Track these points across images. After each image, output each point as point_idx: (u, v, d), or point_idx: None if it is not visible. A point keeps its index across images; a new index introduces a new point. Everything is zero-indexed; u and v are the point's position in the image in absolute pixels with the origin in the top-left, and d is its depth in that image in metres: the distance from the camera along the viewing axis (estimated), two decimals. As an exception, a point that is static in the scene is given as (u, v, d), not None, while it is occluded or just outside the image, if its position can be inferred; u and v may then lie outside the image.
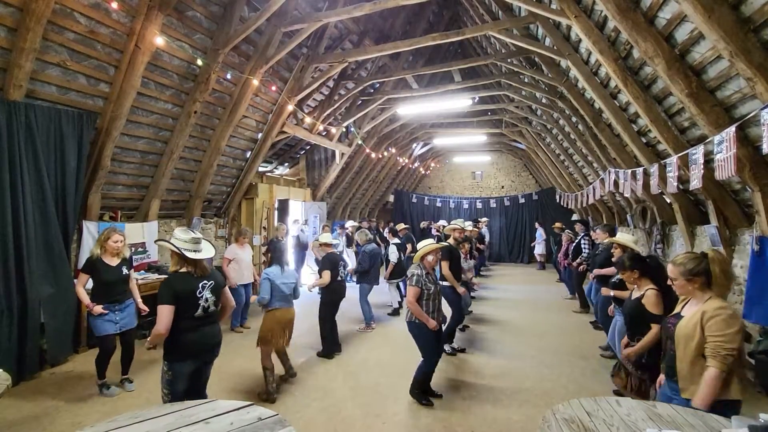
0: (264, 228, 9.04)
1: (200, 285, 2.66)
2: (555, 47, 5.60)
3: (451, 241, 5.31)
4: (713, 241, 4.95)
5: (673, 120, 4.52)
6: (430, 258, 3.78)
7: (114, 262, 3.84)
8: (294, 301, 4.12)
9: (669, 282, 2.32)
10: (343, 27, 7.92)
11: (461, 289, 5.05)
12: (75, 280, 5.03)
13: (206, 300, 2.68)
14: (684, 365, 2.13)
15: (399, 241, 7.21)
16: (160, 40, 4.71)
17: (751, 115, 3.07)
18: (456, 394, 4.00)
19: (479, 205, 15.20)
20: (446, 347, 4.94)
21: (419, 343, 3.73)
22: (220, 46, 5.58)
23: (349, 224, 10.01)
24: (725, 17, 2.78)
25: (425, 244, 3.86)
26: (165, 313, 2.51)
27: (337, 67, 7.52)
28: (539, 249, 12.87)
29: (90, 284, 3.89)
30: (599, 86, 5.38)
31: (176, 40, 5.24)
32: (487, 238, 12.25)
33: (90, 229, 5.51)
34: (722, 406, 1.99)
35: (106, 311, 3.73)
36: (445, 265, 4.96)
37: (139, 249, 6.15)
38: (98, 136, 5.06)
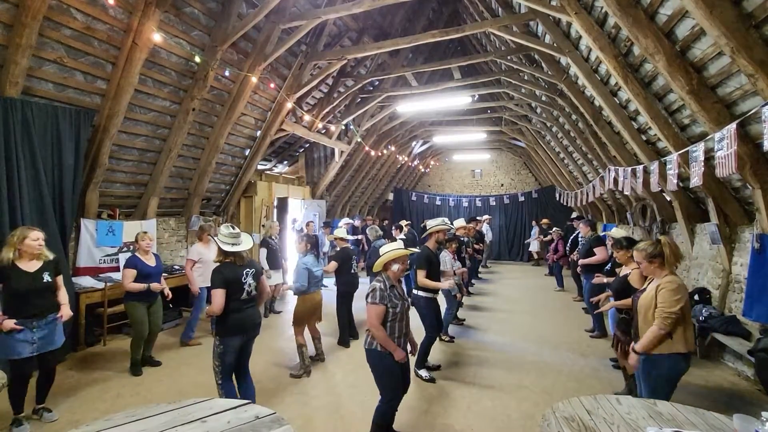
0: (263, 226, 9.01)
1: (244, 272, 3.12)
2: (555, 44, 5.58)
3: (431, 243, 4.50)
4: (713, 239, 4.94)
5: (674, 117, 4.50)
6: (395, 267, 2.92)
7: (32, 267, 3.13)
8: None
9: (639, 263, 2.84)
10: (342, 24, 7.88)
11: (448, 283, 4.40)
12: (72, 278, 5.05)
13: (249, 285, 3.15)
14: (644, 330, 2.62)
15: (404, 237, 7.41)
16: (157, 37, 4.68)
17: (752, 112, 3.06)
18: (454, 391, 3.99)
19: (479, 204, 15.19)
20: (422, 372, 4.23)
21: (378, 376, 2.89)
22: (218, 43, 5.54)
23: (343, 222, 9.99)
24: (727, 13, 2.76)
25: (390, 249, 2.98)
26: (219, 295, 2.97)
27: (336, 65, 7.49)
28: (534, 246, 12.87)
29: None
30: (599, 83, 5.36)
31: (174, 37, 5.20)
32: (488, 237, 11.96)
33: (88, 227, 5.49)
34: (673, 359, 2.55)
35: (20, 327, 3.00)
36: (420, 274, 4.26)
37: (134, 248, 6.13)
38: (96, 133, 5.03)
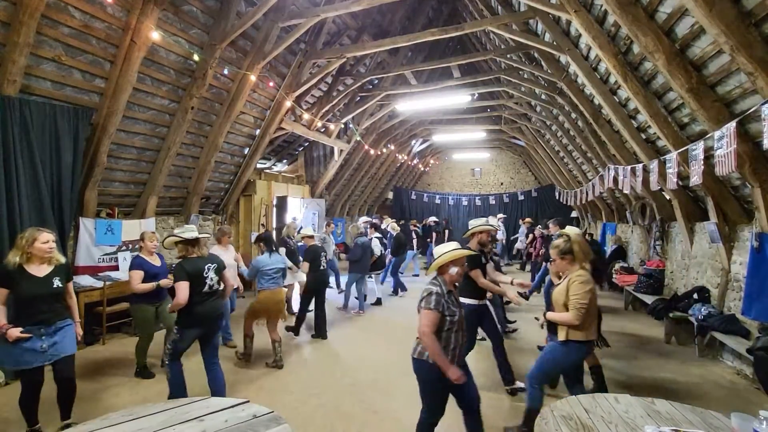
0: (263, 225, 9.01)
1: (206, 267, 3.28)
2: (554, 42, 5.57)
3: (473, 245, 4.16)
4: (712, 238, 4.93)
5: (673, 116, 4.50)
6: (453, 270, 2.59)
7: (42, 271, 2.92)
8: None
9: (553, 259, 3.02)
10: (341, 22, 7.86)
11: (511, 294, 4.05)
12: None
13: (211, 279, 3.30)
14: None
15: (380, 235, 7.54)
16: (155, 35, 4.67)
17: (752, 110, 3.05)
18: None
19: (478, 203, 15.19)
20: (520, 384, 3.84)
21: (423, 390, 2.60)
22: (217, 41, 5.53)
23: (363, 220, 9.98)
24: (726, 11, 2.75)
25: (448, 250, 2.67)
26: (183, 288, 3.10)
27: (336, 63, 7.48)
28: (520, 245, 12.82)
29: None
30: (599, 82, 5.35)
31: (172, 35, 5.19)
32: (500, 235, 11.39)
33: (87, 226, 5.49)
34: (576, 345, 2.83)
35: (28, 335, 2.79)
36: (478, 274, 3.87)
37: (137, 246, 6.11)
38: (94, 132, 5.02)
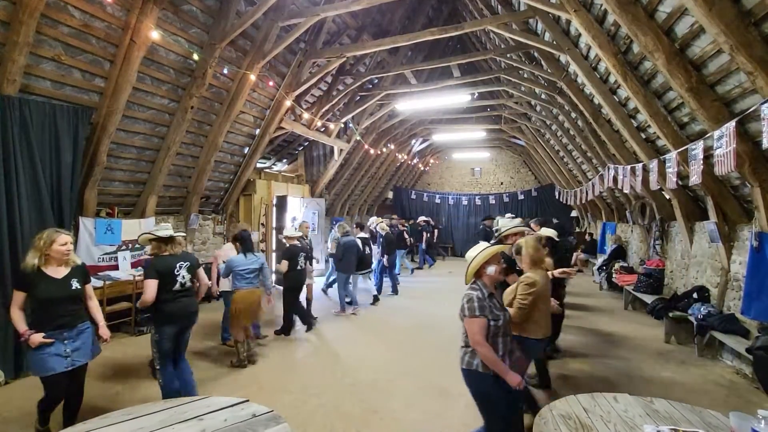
0: (262, 224, 9.01)
1: (178, 265, 3.33)
2: (554, 42, 5.56)
3: (508, 248, 3.69)
4: (712, 238, 4.93)
5: (673, 115, 4.50)
6: (491, 270, 2.46)
7: (60, 273, 2.84)
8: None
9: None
10: (341, 22, 7.86)
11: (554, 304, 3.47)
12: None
13: (183, 277, 3.34)
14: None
15: (366, 235, 7.56)
16: (155, 35, 4.66)
17: (752, 109, 3.05)
18: (453, 388, 3.99)
19: (478, 202, 15.19)
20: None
21: (481, 404, 2.44)
22: (217, 40, 5.53)
23: (373, 220, 9.98)
24: (726, 11, 2.75)
25: (480, 250, 2.51)
26: (151, 286, 3.16)
27: (335, 62, 7.47)
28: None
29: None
30: (599, 81, 5.35)
31: (172, 35, 5.19)
32: None
33: (87, 226, 5.49)
34: (525, 342, 2.94)
35: (50, 340, 2.72)
36: (515, 279, 3.45)
37: (136, 246, 6.12)
38: (94, 131, 5.02)
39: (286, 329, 5.52)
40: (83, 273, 3.01)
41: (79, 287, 2.91)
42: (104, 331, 3.05)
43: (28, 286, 2.74)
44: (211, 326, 5.64)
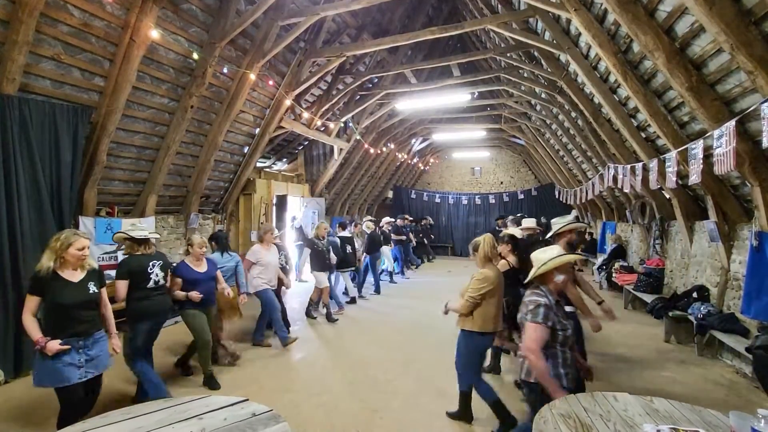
0: (262, 224, 9.01)
1: (150, 263, 3.43)
2: (554, 41, 5.56)
3: (561, 246, 3.28)
4: (712, 237, 4.93)
5: (673, 114, 4.49)
6: (559, 278, 2.34)
7: (76, 276, 2.68)
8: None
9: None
10: (341, 21, 7.85)
11: (591, 319, 3.34)
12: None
13: (156, 275, 3.45)
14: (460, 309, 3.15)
15: (348, 235, 7.62)
16: (155, 33, 4.66)
17: (752, 109, 3.05)
18: (451, 389, 3.99)
19: (478, 201, 15.19)
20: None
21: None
22: (217, 39, 5.52)
23: (386, 221, 9.94)
24: (726, 10, 2.74)
25: (552, 255, 2.36)
26: (121, 285, 3.30)
27: (335, 62, 7.46)
28: None
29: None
30: (599, 81, 5.35)
31: (172, 34, 5.18)
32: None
33: (87, 225, 5.48)
34: (468, 334, 3.13)
35: (66, 348, 2.53)
36: (571, 287, 3.30)
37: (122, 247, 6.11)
38: (94, 130, 5.01)
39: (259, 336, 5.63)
40: (100, 276, 2.84)
41: (96, 291, 2.75)
42: (116, 341, 2.89)
43: (44, 290, 2.56)
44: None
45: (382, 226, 9.63)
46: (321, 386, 4.03)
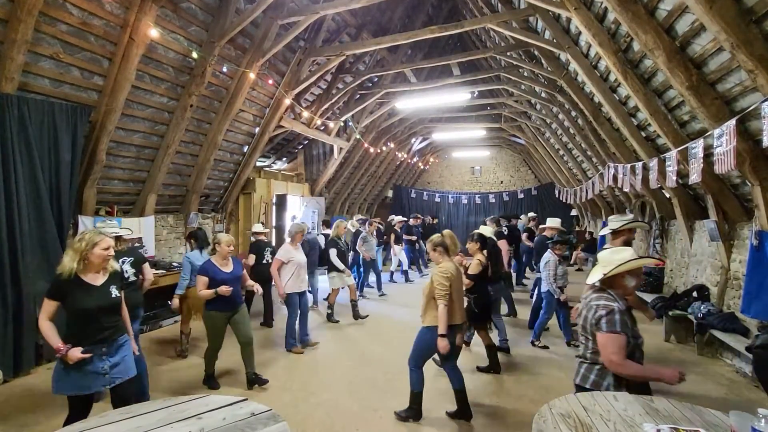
0: (262, 223, 9.00)
1: (121, 260, 3.44)
2: (554, 40, 5.55)
3: (617, 245, 3.36)
4: (712, 236, 4.93)
5: (673, 114, 4.49)
6: (631, 283, 2.21)
7: (98, 279, 2.52)
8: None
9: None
10: (340, 20, 7.84)
11: (651, 313, 3.49)
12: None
13: (126, 272, 3.52)
14: (423, 305, 3.30)
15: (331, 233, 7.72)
16: (154, 32, 4.65)
17: (752, 108, 3.04)
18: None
19: (478, 201, 15.20)
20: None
21: None
22: (216, 38, 5.51)
23: (398, 219, 9.94)
24: (727, 8, 2.74)
25: (625, 257, 2.20)
26: None
27: (335, 61, 7.45)
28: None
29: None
30: (599, 80, 5.34)
31: (171, 33, 5.17)
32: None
33: (86, 224, 5.45)
34: (433, 329, 3.18)
35: (89, 355, 2.38)
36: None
37: (136, 245, 6.10)
38: (93, 129, 5.00)
39: (266, 320, 5.99)
40: (120, 279, 2.73)
41: (118, 295, 2.61)
42: (134, 345, 2.78)
43: (64, 294, 2.40)
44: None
45: (394, 225, 9.61)
46: (320, 385, 4.02)
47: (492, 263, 4.64)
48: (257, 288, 4.16)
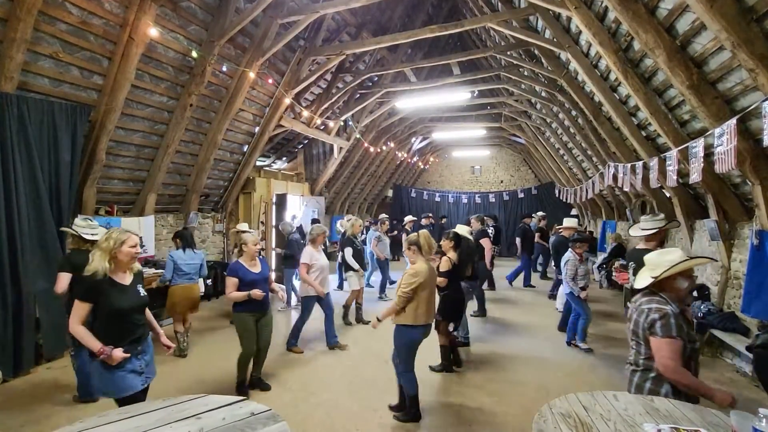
0: (262, 222, 9.00)
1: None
2: (555, 39, 5.54)
3: (653, 244, 3.68)
4: (712, 236, 4.92)
5: (674, 113, 4.48)
6: (684, 284, 2.14)
7: (126, 279, 2.51)
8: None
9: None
10: (340, 19, 7.83)
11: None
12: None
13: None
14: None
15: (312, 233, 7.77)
16: (154, 32, 4.64)
17: (753, 107, 3.04)
18: (453, 387, 3.99)
19: (478, 200, 15.18)
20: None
21: None
22: (216, 37, 5.51)
23: (408, 219, 9.93)
24: (727, 7, 2.73)
25: (676, 259, 2.13)
26: (63, 278, 3.29)
27: (335, 60, 7.44)
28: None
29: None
30: (599, 79, 5.33)
31: (170, 32, 5.16)
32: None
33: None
34: (404, 329, 3.27)
35: (128, 354, 2.38)
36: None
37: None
38: (92, 129, 5.00)
39: None
40: (142, 279, 2.70)
41: (145, 293, 2.61)
42: (166, 340, 2.80)
43: (98, 295, 2.35)
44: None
45: (405, 225, 9.60)
46: (320, 385, 4.02)
47: (467, 262, 4.74)
48: (282, 294, 4.19)
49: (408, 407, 3.38)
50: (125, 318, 2.42)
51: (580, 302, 4.98)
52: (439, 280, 4.06)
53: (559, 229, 6.89)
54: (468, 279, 4.92)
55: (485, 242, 6.73)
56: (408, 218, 9.78)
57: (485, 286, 7.84)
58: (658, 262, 2.15)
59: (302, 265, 4.78)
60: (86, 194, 5.33)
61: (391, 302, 3.31)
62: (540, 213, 10.33)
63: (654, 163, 4.85)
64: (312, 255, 4.82)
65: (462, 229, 5.01)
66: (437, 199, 15.65)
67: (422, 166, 16.45)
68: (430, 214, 11.40)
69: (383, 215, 9.78)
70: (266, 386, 3.93)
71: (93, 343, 2.30)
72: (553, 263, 7.48)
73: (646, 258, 2.26)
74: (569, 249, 5.16)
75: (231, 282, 3.64)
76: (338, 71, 8.62)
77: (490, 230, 8.01)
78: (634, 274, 3.37)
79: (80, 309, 2.33)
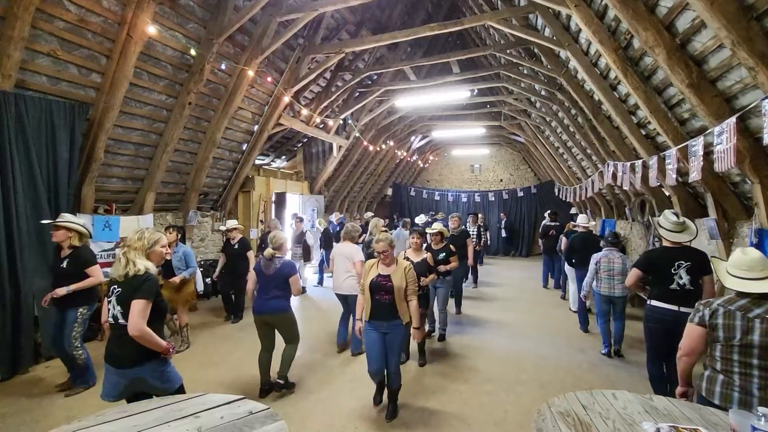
0: (261, 221, 8.99)
1: (100, 254, 3.65)
2: (554, 37, 5.52)
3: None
4: (712, 234, 4.92)
5: (673, 111, 4.47)
6: None
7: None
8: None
9: (382, 252, 3.30)
10: (339, 17, 7.81)
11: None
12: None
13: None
14: (401, 305, 3.24)
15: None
16: (152, 30, 4.62)
17: (752, 105, 3.03)
18: (452, 385, 3.99)
19: (477, 199, 15.18)
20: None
21: None
22: (214, 35, 5.49)
23: (419, 219, 9.92)
24: (727, 5, 2.72)
25: (753, 257, 2.09)
26: (98, 269, 3.78)
27: (334, 58, 7.43)
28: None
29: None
30: (599, 77, 5.32)
31: (169, 30, 5.15)
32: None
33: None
34: (407, 325, 3.32)
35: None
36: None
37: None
38: (91, 127, 4.99)
39: (229, 315, 6.19)
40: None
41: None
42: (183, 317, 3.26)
43: (159, 294, 2.34)
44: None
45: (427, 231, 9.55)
46: (319, 383, 4.02)
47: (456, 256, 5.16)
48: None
49: (395, 401, 3.46)
50: (165, 315, 2.48)
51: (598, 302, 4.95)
52: (430, 277, 4.47)
53: (575, 227, 6.85)
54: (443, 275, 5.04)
55: (469, 240, 6.89)
56: (420, 217, 9.65)
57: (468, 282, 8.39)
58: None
59: (358, 264, 4.55)
60: (85, 193, 5.32)
61: (412, 305, 3.29)
62: (549, 211, 10.13)
63: (653, 161, 4.84)
64: (358, 252, 4.76)
65: (439, 227, 5.24)
66: (437, 197, 15.65)
67: (422, 165, 16.44)
68: (441, 213, 11.52)
69: (406, 219, 9.68)
70: (291, 384, 3.88)
71: (162, 343, 2.30)
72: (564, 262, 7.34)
73: (736, 261, 2.12)
74: (603, 248, 4.99)
75: (253, 279, 3.87)
76: (337, 69, 8.60)
77: (473, 230, 9.01)
78: (688, 273, 3.27)
79: (148, 309, 2.26)
